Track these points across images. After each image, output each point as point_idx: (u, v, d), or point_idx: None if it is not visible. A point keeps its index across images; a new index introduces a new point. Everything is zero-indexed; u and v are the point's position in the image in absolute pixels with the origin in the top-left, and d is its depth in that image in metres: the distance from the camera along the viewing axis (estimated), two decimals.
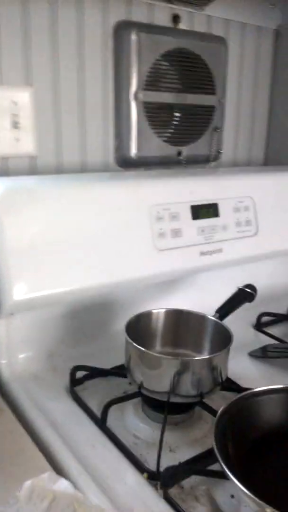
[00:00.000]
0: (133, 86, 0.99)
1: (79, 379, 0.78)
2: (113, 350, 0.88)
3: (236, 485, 0.49)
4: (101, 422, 0.68)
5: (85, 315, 0.88)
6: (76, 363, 0.82)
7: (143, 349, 0.67)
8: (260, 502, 0.46)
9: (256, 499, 0.46)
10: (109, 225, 0.81)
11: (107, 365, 0.81)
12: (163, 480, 0.58)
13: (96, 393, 0.77)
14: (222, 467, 0.50)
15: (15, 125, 0.88)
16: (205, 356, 0.74)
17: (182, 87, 1.05)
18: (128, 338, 0.69)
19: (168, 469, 0.59)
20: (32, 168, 0.93)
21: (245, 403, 0.60)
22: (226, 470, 0.50)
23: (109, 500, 0.55)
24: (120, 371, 0.80)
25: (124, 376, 0.79)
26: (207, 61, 1.08)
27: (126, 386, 0.80)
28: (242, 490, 0.48)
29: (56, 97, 0.93)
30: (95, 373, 0.79)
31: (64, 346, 0.85)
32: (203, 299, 0.98)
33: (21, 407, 0.71)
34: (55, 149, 0.95)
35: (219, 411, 0.57)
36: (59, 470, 0.59)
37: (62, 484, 0.52)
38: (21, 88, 0.88)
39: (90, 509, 0.50)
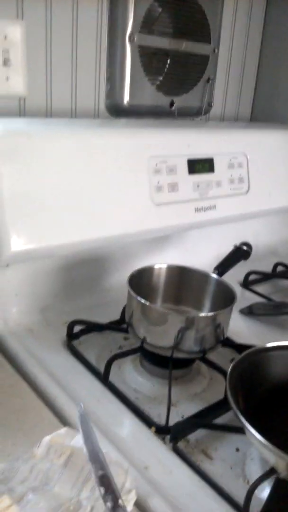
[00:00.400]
0: (129, 28, 0.93)
1: (76, 333, 0.76)
2: (105, 305, 0.87)
3: (255, 437, 0.49)
4: (104, 377, 0.67)
5: (78, 269, 0.85)
6: (69, 318, 0.80)
7: (149, 304, 0.66)
8: (283, 454, 0.46)
9: (280, 452, 0.47)
10: (107, 176, 0.77)
11: (99, 320, 0.80)
12: (173, 434, 0.58)
13: (92, 348, 0.76)
14: (240, 420, 0.51)
15: (6, 62, 0.81)
16: (208, 313, 0.74)
17: (178, 33, 1.00)
18: (132, 292, 0.68)
19: (177, 423, 0.59)
20: (20, 110, 0.87)
21: (255, 358, 0.60)
22: (245, 422, 0.50)
23: (122, 454, 0.55)
24: (117, 326, 0.80)
25: (120, 331, 0.79)
26: (204, 7, 1.02)
27: (121, 341, 0.79)
28: (262, 442, 0.48)
29: (47, 34, 0.85)
30: (91, 327, 0.78)
31: (57, 300, 0.83)
32: (193, 256, 0.98)
33: (19, 361, 0.69)
34: (45, 91, 0.89)
35: (231, 365, 0.57)
36: (66, 425, 0.58)
37: (81, 440, 0.50)
38: (12, 21, 0.80)
39: (110, 465, 0.48)
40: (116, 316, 0.83)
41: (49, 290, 0.82)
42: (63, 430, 0.51)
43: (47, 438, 0.50)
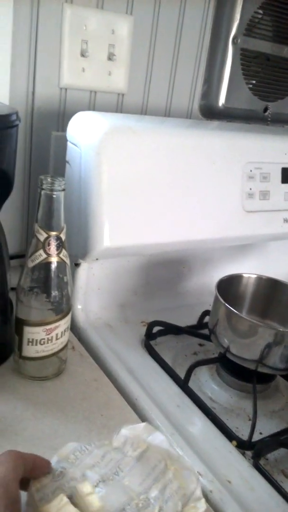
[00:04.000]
0: (233, 30, 0.91)
1: (153, 333, 0.76)
2: (180, 308, 0.87)
3: None
4: (183, 383, 0.66)
5: (157, 270, 0.85)
6: (146, 317, 0.80)
7: (239, 313, 0.64)
8: None
9: None
10: (202, 178, 0.76)
11: (173, 323, 0.79)
12: (256, 450, 0.56)
13: (169, 350, 0.75)
14: None
15: (110, 56, 0.81)
16: None
17: (280, 37, 0.97)
18: (221, 299, 0.66)
19: (262, 440, 0.58)
20: (118, 105, 0.87)
21: None
22: None
23: (204, 463, 0.54)
24: (195, 331, 0.79)
25: (198, 336, 0.78)
26: None
27: (196, 346, 0.78)
28: None
29: (153, 32, 0.85)
30: (170, 329, 0.77)
31: (136, 299, 0.83)
32: (274, 268, 0.95)
33: (100, 355, 0.69)
34: (143, 88, 0.89)
35: None
36: None
37: (157, 438, 0.49)
38: (121, 17, 0.80)
39: (182, 470, 0.47)
40: (190, 320, 0.82)
41: (129, 288, 0.82)
42: (142, 425, 0.50)
43: (126, 429, 0.49)
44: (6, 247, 0.60)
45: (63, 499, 0.41)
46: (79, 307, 0.76)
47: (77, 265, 0.73)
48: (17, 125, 0.55)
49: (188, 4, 0.87)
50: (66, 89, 0.80)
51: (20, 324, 0.57)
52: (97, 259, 0.72)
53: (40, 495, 0.42)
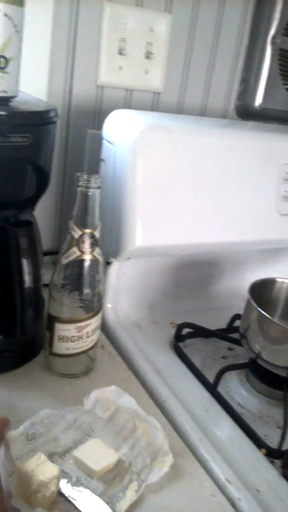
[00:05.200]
0: (272, 30, 0.89)
1: (182, 335, 0.75)
2: (210, 311, 0.86)
3: None
4: (213, 387, 0.65)
5: (188, 271, 0.84)
6: (175, 318, 0.80)
7: (271, 318, 0.63)
8: None
9: None
10: (235, 179, 0.75)
11: (204, 326, 0.78)
12: (286, 460, 0.55)
13: (197, 353, 0.74)
14: None
15: (148, 55, 0.81)
16: None
17: None
18: (254, 304, 0.65)
19: None
20: (153, 104, 0.86)
21: None
22: None
23: (232, 469, 0.53)
24: (225, 335, 0.77)
25: (227, 340, 0.77)
26: None
27: (225, 350, 0.77)
28: None
29: (191, 31, 0.84)
30: (199, 332, 0.76)
31: (165, 299, 0.82)
32: None
33: (129, 355, 0.69)
34: (179, 87, 0.88)
35: None
36: (178, 431, 0.57)
37: (126, 400, 0.53)
38: (160, 15, 0.80)
39: (150, 428, 0.51)
40: (219, 324, 0.81)
41: (159, 288, 0.82)
42: (113, 387, 0.55)
43: (96, 392, 0.53)
44: (40, 243, 0.60)
45: (41, 457, 0.45)
46: (109, 305, 0.76)
47: (108, 263, 0.72)
48: (55, 122, 0.56)
49: (228, 3, 0.86)
50: (103, 87, 0.80)
51: (52, 320, 0.58)
52: (128, 258, 0.71)
53: (16, 454, 0.46)
